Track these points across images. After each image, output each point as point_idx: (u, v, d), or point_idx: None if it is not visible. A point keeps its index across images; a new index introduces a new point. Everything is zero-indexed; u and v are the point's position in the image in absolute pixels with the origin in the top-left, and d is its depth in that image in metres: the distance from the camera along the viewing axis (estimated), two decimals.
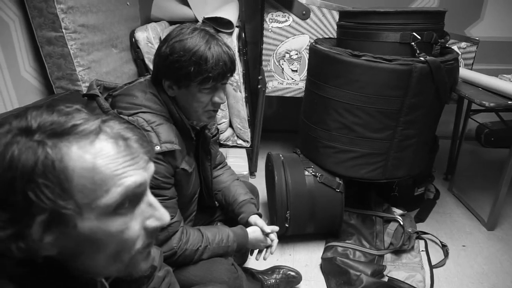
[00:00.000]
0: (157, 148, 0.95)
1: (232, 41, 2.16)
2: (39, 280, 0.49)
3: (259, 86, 2.27)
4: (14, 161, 0.43)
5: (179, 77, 0.99)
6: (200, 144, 1.20)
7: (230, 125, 2.51)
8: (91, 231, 0.47)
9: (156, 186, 0.98)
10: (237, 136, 2.50)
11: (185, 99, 1.04)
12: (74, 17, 1.52)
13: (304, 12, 2.13)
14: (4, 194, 0.43)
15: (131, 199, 0.50)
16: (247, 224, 1.26)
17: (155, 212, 0.53)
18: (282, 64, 2.27)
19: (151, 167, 0.54)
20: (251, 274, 1.54)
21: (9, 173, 0.43)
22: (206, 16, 2.13)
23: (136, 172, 0.50)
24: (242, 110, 2.35)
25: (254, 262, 1.45)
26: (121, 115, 0.97)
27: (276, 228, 1.29)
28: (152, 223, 0.53)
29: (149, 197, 0.54)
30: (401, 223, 1.83)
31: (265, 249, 1.29)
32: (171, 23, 2.38)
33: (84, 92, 1.10)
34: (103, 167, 0.47)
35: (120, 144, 0.49)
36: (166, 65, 1.00)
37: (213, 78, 0.99)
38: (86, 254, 0.50)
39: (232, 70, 1.04)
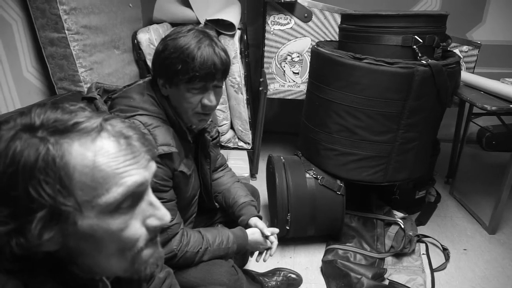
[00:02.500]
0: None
1: (234, 43, 2.16)
2: (38, 276, 0.49)
3: (260, 88, 2.28)
4: (16, 156, 0.44)
5: (169, 74, 0.99)
6: (200, 147, 1.20)
7: (231, 127, 2.51)
8: (91, 229, 0.47)
9: (154, 189, 0.97)
10: (238, 138, 2.50)
11: (176, 98, 1.03)
12: (77, 18, 1.53)
13: (306, 14, 2.13)
14: (6, 189, 0.43)
15: (132, 198, 0.50)
16: (247, 227, 1.26)
17: (156, 212, 0.54)
18: (284, 66, 2.27)
19: (153, 166, 0.54)
20: (252, 276, 1.54)
21: (11, 168, 0.43)
22: (208, 18, 2.13)
23: (137, 172, 0.50)
24: (243, 112, 2.35)
25: (254, 264, 1.44)
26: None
27: (276, 230, 1.29)
28: (153, 222, 0.53)
29: (150, 196, 0.54)
30: (402, 226, 1.83)
31: (265, 251, 1.29)
32: (173, 25, 2.39)
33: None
34: (104, 165, 0.46)
35: (122, 142, 0.49)
36: (158, 62, 1.00)
37: (200, 77, 0.97)
38: (87, 253, 0.50)
39: (223, 72, 1.01)
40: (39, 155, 0.44)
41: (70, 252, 0.49)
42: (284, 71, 2.28)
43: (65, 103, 0.50)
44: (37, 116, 0.46)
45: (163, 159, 0.98)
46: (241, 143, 2.50)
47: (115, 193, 0.47)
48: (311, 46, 2.16)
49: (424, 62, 1.50)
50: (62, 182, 0.44)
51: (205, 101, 1.02)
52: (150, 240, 0.54)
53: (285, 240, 1.80)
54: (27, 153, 0.44)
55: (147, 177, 0.51)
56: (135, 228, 0.51)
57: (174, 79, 0.99)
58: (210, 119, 1.19)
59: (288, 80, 2.31)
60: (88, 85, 1.60)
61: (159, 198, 0.98)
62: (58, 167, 0.44)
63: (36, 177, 0.43)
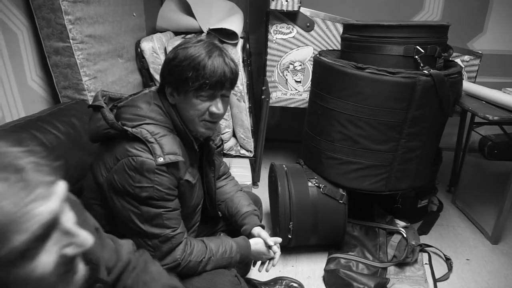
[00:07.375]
0: (161, 159, 0.95)
1: (236, 52, 2.17)
2: None
3: (262, 97, 2.29)
4: None
5: (178, 82, 1.00)
6: (204, 155, 1.20)
7: (234, 135, 2.51)
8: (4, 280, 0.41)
9: (160, 198, 0.98)
10: (241, 146, 2.51)
11: (183, 106, 1.04)
12: (82, 27, 1.54)
13: (308, 24, 2.14)
14: None
15: (39, 237, 0.42)
16: (250, 236, 1.26)
17: (74, 240, 0.47)
18: (286, 75, 2.28)
19: (60, 186, 0.45)
20: (254, 285, 1.54)
21: None
22: (211, 27, 2.15)
23: (42, 210, 0.41)
24: (246, 120, 2.36)
25: (256, 273, 1.44)
26: (125, 127, 0.98)
27: (279, 239, 1.29)
28: (72, 250, 0.46)
29: (65, 224, 0.46)
30: (405, 235, 1.82)
31: (267, 261, 1.28)
32: (176, 33, 2.41)
33: (90, 102, 1.11)
34: None
35: (11, 178, 0.40)
36: (168, 70, 1.02)
37: (210, 85, 0.99)
38: None
39: (232, 81, 1.04)
40: None
41: None
42: (287, 79, 2.30)
43: None
44: None
45: (169, 168, 0.98)
46: (243, 151, 2.50)
47: (16, 242, 0.39)
48: (313, 55, 2.18)
49: (426, 72, 1.51)
50: None
51: (213, 109, 1.03)
52: (68, 270, 0.47)
53: (287, 249, 1.80)
54: None
55: (54, 206, 0.43)
56: (48, 263, 0.43)
57: (184, 87, 1.00)
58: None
59: (290, 89, 2.32)
60: (92, 94, 1.61)
61: (164, 207, 1.00)
62: None
63: None
